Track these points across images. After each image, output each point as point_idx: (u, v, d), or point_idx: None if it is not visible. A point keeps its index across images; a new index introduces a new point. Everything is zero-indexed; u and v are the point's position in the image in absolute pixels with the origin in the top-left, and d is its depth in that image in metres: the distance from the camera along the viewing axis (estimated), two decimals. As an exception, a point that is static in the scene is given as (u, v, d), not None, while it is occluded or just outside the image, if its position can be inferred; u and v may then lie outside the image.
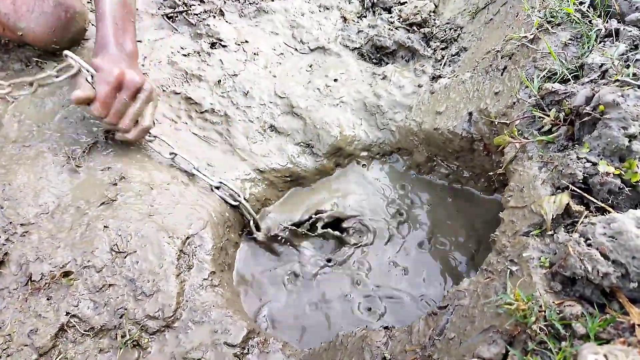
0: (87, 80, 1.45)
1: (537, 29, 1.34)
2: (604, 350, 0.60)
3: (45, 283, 1.24)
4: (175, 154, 1.62)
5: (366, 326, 1.21)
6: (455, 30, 2.07)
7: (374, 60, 2.09)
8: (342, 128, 1.85)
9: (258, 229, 1.68)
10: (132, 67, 1.54)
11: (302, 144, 1.85)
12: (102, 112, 1.44)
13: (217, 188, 1.63)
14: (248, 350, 1.27)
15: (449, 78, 1.78)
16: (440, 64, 1.96)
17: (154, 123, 1.59)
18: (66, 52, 1.45)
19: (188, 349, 1.23)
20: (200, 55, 1.95)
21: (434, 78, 1.90)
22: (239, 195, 1.62)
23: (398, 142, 1.85)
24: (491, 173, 1.39)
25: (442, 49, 2.03)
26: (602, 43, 1.17)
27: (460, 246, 1.61)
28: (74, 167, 1.48)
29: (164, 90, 1.83)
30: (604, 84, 1.02)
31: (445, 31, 2.08)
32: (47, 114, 1.65)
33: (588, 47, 1.18)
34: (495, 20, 1.84)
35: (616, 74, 1.02)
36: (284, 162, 1.80)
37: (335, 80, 1.99)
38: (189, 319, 1.28)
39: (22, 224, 1.34)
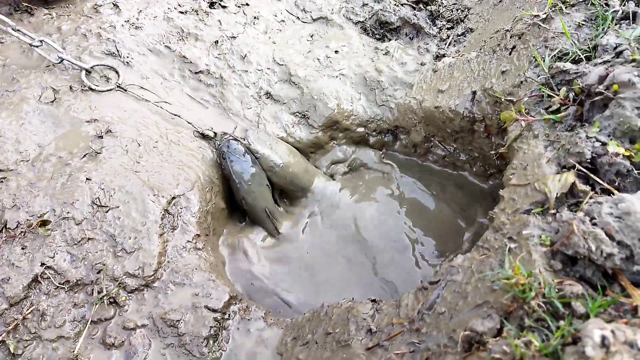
0: None
1: (551, 9, 1.29)
2: (611, 326, 0.57)
3: (21, 231, 1.18)
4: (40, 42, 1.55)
5: (352, 299, 1.17)
6: (462, 11, 2.01)
7: (377, 36, 2.04)
8: (339, 101, 1.79)
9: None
10: None
11: (297, 113, 1.79)
12: None
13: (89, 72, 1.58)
14: (229, 316, 1.23)
15: (453, 57, 1.73)
16: (445, 44, 1.90)
17: None
18: None
19: (167, 309, 1.18)
20: (198, 14, 1.87)
21: (438, 57, 1.85)
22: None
23: (396, 119, 1.80)
24: (492, 153, 1.36)
25: (448, 28, 1.97)
26: (618, 25, 1.13)
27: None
28: (59, 117, 1.41)
29: (156, 47, 1.76)
30: (619, 64, 0.98)
31: (452, 11, 2.03)
32: (35, 61, 1.57)
33: (603, 29, 1.14)
34: (505, 2, 1.79)
35: (632, 54, 0.98)
36: (278, 131, 1.75)
37: (336, 52, 1.93)
38: (169, 280, 1.24)
39: (0, 170, 1.27)
